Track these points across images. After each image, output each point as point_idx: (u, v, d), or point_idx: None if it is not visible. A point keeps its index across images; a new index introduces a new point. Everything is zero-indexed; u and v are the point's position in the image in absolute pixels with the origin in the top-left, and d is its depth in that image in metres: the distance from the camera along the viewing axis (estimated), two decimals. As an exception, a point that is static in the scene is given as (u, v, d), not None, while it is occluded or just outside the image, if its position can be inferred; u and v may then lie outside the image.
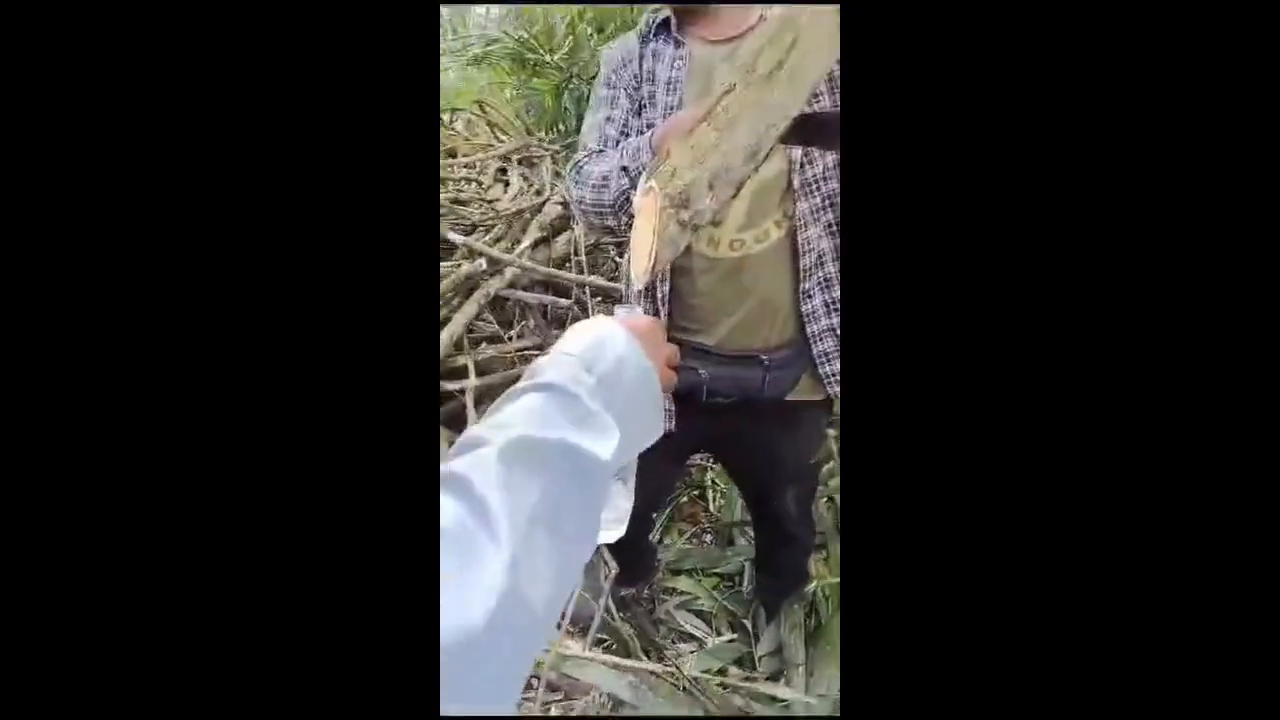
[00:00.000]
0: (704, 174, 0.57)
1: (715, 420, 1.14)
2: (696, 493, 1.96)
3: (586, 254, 2.13)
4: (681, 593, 1.65)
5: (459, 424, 1.69)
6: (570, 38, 3.34)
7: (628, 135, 1.03)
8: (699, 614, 1.62)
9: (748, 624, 1.55)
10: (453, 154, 2.63)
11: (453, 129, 3.35)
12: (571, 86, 3.28)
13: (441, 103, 3.80)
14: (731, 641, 1.55)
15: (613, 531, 0.56)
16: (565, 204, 2.05)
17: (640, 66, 1.04)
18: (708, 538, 1.86)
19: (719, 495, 1.96)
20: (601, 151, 1.03)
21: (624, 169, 0.94)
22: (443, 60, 4.04)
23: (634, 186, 0.85)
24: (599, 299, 2.08)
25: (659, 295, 1.06)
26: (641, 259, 0.59)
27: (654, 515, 1.69)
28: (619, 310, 0.60)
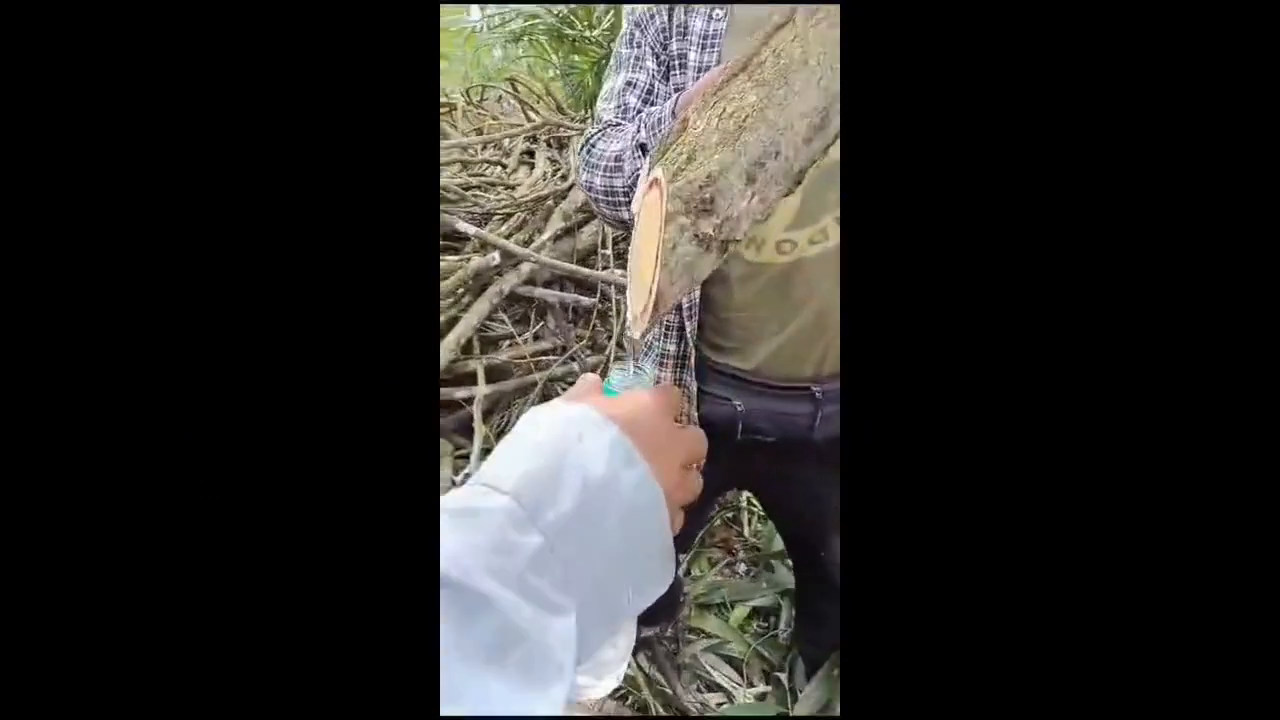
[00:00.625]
0: (739, 158, 0.36)
1: (751, 458, 0.93)
2: (730, 515, 1.75)
3: (615, 246, 1.93)
4: (709, 635, 1.46)
5: (467, 434, 1.53)
6: (611, 13, 3.10)
7: (654, 105, 0.81)
8: (729, 660, 1.43)
9: (783, 678, 1.35)
10: (480, 133, 2.45)
11: (482, 109, 3.18)
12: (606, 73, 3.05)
13: (477, 79, 3.65)
14: (763, 697, 1.35)
15: (608, 680, 0.37)
16: (593, 189, 1.85)
17: (670, 19, 0.82)
18: (741, 567, 1.66)
19: (755, 519, 1.76)
20: (618, 125, 0.81)
21: (640, 147, 0.72)
22: (484, 36, 3.90)
23: None
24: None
25: (686, 306, 0.85)
26: (640, 293, 0.38)
27: (680, 556, 1.50)
28: (615, 375, 0.40)
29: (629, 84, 0.83)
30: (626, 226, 0.82)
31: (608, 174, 0.77)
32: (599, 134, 0.82)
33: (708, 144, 0.37)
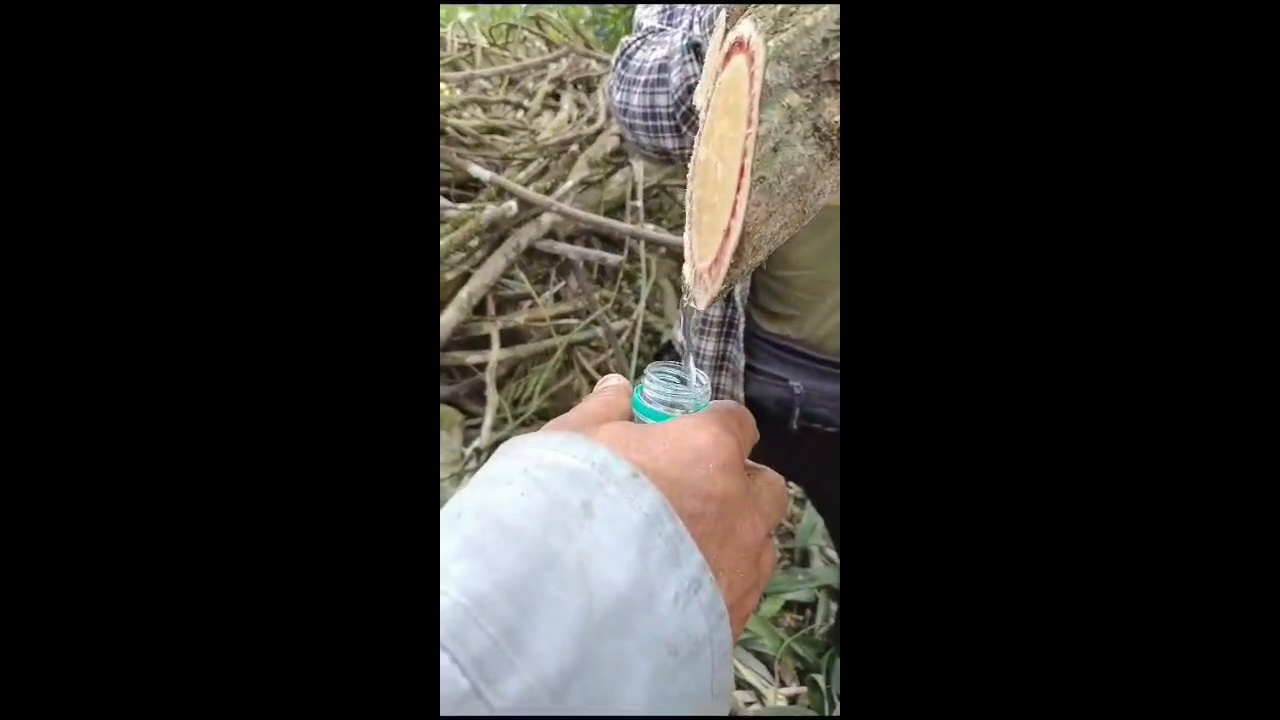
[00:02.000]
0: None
1: (807, 447, 0.78)
2: (764, 497, 1.62)
3: (647, 198, 1.74)
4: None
5: (479, 401, 1.40)
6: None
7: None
8: (759, 656, 1.31)
9: (819, 679, 1.23)
10: (510, 80, 2.24)
11: (505, 50, 2.96)
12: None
13: (503, 19, 3.43)
14: (796, 699, 1.24)
15: None
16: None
17: None
18: (777, 555, 1.54)
19: (791, 502, 1.62)
20: (662, 31, 0.63)
21: (693, 48, 0.54)
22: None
23: None
24: (661, 251, 1.70)
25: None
26: (709, 236, 0.23)
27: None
28: (653, 381, 0.25)
29: None
30: (670, 159, 0.65)
31: (648, 90, 0.59)
32: (637, 42, 0.64)
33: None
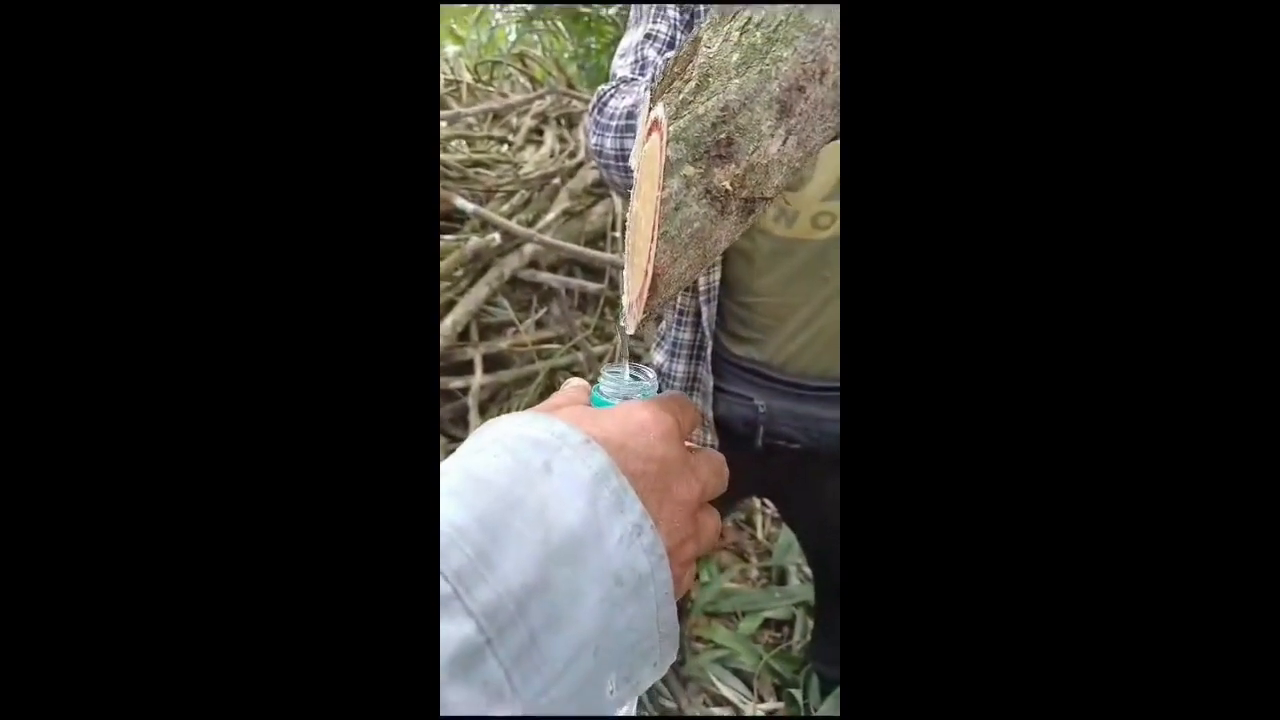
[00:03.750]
0: (768, 83, 0.25)
1: (773, 463, 0.83)
2: (741, 518, 1.65)
3: (625, 229, 1.82)
4: (718, 645, 1.37)
5: (463, 427, 1.44)
6: (627, -10, 2.95)
7: None
8: (738, 673, 1.34)
9: (797, 695, 1.26)
10: (494, 114, 2.33)
11: (490, 87, 3.06)
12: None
13: (488, 57, 3.53)
14: (774, 713, 1.26)
15: None
16: (603, 168, 1.73)
17: None
18: (754, 573, 1.56)
19: (768, 521, 1.66)
20: (634, 81, 0.70)
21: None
22: (499, 17, 3.77)
23: None
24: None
25: (703, 288, 0.75)
26: (636, 271, 0.28)
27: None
28: (607, 379, 0.30)
29: (648, 36, 0.72)
30: None
31: (619, 134, 0.66)
32: (611, 91, 0.70)
33: (725, 66, 0.26)
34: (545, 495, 0.22)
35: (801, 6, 0.25)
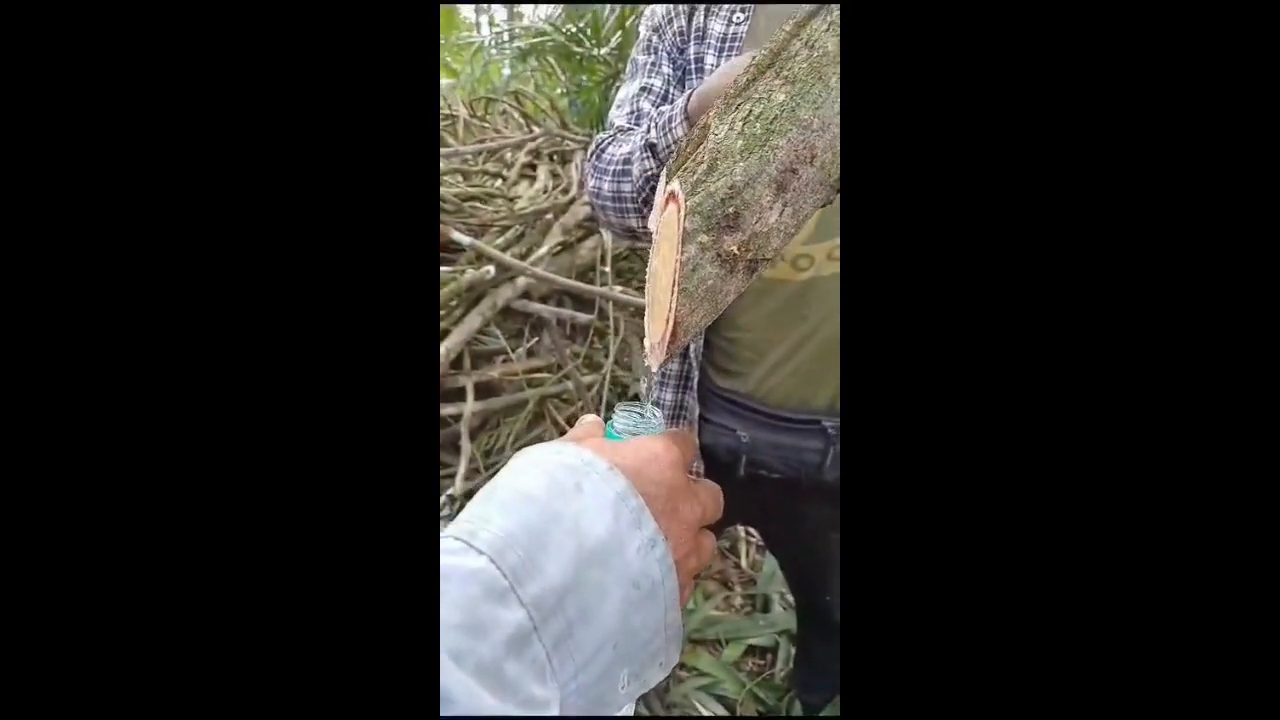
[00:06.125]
0: (767, 166, 0.31)
1: (755, 492, 0.87)
2: (726, 545, 1.69)
3: (615, 264, 1.88)
4: (702, 673, 1.39)
5: (453, 452, 1.46)
6: (620, 32, 3.08)
7: None
8: (721, 699, 1.36)
9: (780, 723, 1.28)
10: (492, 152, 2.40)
11: (485, 122, 3.15)
12: (619, 83, 3.02)
13: (481, 94, 3.64)
14: (759, 742, 1.28)
15: None
16: (594, 205, 1.79)
17: (689, 22, 0.77)
18: (738, 601, 1.59)
19: (752, 549, 1.69)
20: (629, 130, 0.76)
21: (649, 147, 0.66)
22: (493, 54, 3.89)
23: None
24: (629, 311, 1.82)
25: None
26: (658, 320, 0.33)
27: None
28: (620, 417, 0.34)
29: (643, 89, 0.79)
30: (635, 236, 0.77)
31: (616, 179, 0.72)
32: (609, 139, 0.77)
33: (730, 151, 0.32)
34: (578, 510, 0.26)
35: (794, 105, 0.31)
